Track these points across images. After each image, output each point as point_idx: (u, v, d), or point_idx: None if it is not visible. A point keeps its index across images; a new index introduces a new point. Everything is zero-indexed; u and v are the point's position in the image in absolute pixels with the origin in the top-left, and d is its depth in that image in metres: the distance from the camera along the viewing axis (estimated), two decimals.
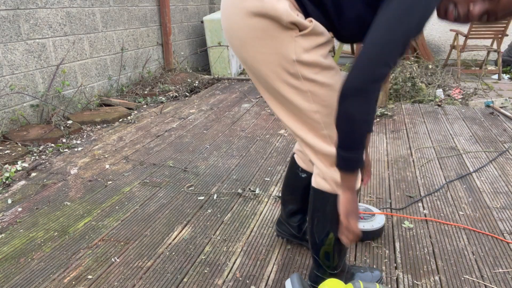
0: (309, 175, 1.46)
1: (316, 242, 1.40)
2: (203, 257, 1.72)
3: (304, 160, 1.55)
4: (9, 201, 2.21)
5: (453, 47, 5.49)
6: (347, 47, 6.79)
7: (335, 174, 1.27)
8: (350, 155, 1.07)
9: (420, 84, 4.38)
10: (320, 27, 1.16)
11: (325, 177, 1.30)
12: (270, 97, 1.28)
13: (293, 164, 1.62)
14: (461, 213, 2.05)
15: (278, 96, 1.25)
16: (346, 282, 1.45)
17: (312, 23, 1.13)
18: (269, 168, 2.59)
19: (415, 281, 1.57)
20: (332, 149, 1.25)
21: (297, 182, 1.62)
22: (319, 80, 1.20)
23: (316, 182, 1.33)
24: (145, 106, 4.15)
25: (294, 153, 1.61)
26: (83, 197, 2.25)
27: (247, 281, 1.57)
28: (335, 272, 1.42)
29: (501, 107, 3.89)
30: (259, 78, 1.24)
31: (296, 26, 1.12)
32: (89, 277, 1.61)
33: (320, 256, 1.41)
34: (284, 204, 1.73)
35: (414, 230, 1.91)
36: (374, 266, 1.66)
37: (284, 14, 1.10)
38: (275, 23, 1.12)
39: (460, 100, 4.25)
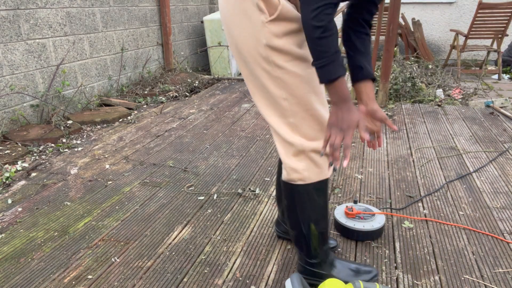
0: None
1: (294, 234, 1.44)
2: (203, 257, 1.72)
3: None
4: (9, 201, 2.21)
5: (453, 47, 5.49)
6: None
7: (295, 163, 1.32)
8: (320, 63, 1.12)
9: (420, 84, 4.38)
10: (292, 12, 1.19)
11: (285, 167, 1.34)
12: (249, 81, 1.32)
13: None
14: (461, 213, 2.05)
15: (254, 80, 1.30)
16: (326, 270, 1.49)
17: (280, 5, 1.17)
18: (269, 168, 2.59)
19: (415, 281, 1.57)
20: (295, 139, 1.29)
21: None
22: (289, 68, 1.24)
23: (282, 174, 1.39)
24: (145, 106, 4.15)
25: None
26: (83, 197, 2.25)
27: (247, 281, 1.57)
28: (315, 262, 1.47)
29: (501, 107, 3.89)
30: (243, 60, 1.30)
31: (266, 10, 1.17)
32: (89, 277, 1.61)
33: (300, 246, 1.46)
34: (278, 202, 1.75)
35: (414, 230, 1.91)
36: (374, 266, 1.65)
37: None
38: (252, 5, 1.18)
39: (460, 100, 4.25)
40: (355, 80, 1.37)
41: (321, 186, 1.36)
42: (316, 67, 1.14)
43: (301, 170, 1.32)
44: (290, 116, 1.29)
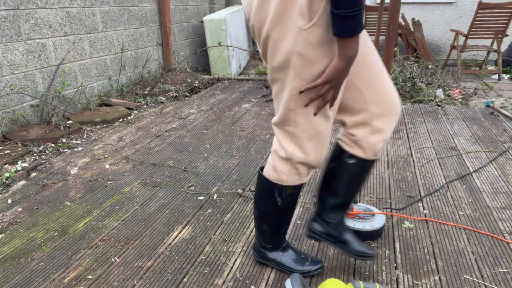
0: (357, 160, 1.43)
1: (259, 222, 1.55)
2: (203, 257, 1.72)
3: (351, 145, 1.43)
4: (9, 201, 2.21)
5: (453, 47, 5.49)
6: None
7: (280, 164, 1.37)
8: (352, 12, 1.02)
9: (420, 84, 4.38)
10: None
11: (270, 162, 1.41)
12: (270, 80, 1.31)
13: (338, 152, 1.48)
14: (461, 213, 2.05)
15: (273, 82, 1.29)
16: (275, 255, 1.60)
17: (322, 9, 1.08)
18: None
19: (415, 281, 1.57)
20: (289, 147, 1.33)
21: (342, 170, 1.49)
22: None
23: (265, 166, 1.46)
24: (145, 106, 4.15)
25: (337, 141, 1.48)
26: (83, 197, 2.25)
27: (247, 281, 1.57)
28: (269, 247, 1.59)
29: (501, 107, 3.89)
30: (267, 58, 1.26)
31: (307, 15, 1.09)
32: (89, 277, 1.61)
33: (261, 232, 1.57)
34: (324, 199, 1.56)
35: (414, 230, 1.91)
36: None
37: None
38: (292, 5, 1.10)
39: (460, 100, 4.25)
40: None
41: (295, 190, 1.43)
42: (346, 16, 1.02)
43: (282, 173, 1.38)
44: (291, 126, 1.29)
